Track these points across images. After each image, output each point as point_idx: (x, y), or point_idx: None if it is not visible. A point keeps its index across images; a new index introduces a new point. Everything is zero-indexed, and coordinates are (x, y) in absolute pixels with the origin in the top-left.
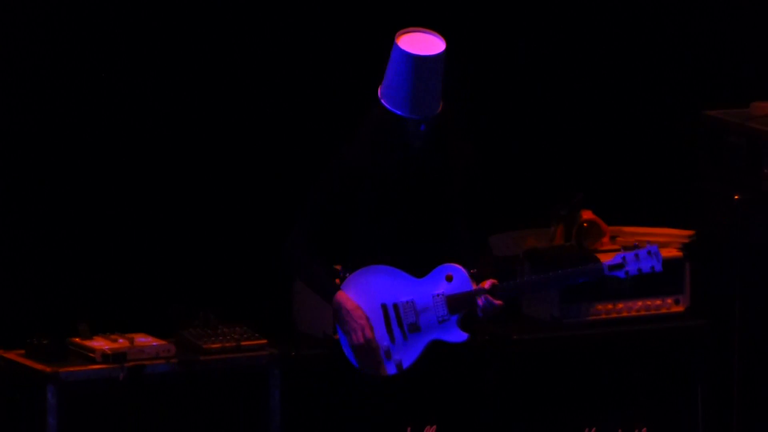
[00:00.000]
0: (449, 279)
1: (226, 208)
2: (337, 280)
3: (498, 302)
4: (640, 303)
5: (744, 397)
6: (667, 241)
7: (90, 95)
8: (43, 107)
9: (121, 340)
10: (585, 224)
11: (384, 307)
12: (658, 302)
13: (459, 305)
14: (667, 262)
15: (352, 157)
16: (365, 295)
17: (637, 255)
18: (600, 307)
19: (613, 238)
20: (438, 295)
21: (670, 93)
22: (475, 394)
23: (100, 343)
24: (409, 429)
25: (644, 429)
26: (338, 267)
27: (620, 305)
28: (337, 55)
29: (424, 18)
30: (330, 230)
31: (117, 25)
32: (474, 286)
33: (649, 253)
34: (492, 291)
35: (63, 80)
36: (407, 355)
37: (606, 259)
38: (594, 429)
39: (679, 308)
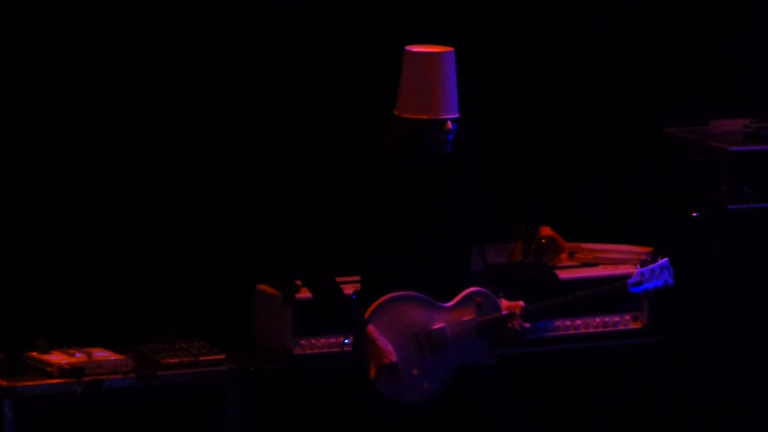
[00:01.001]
0: (479, 304)
1: (184, 222)
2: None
3: (527, 325)
4: (598, 320)
5: (702, 414)
6: (625, 258)
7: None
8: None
9: (78, 355)
10: (543, 240)
11: (416, 335)
12: (617, 319)
13: (490, 330)
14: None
15: (374, 182)
16: (397, 326)
17: (652, 270)
18: (558, 323)
19: (571, 254)
20: (469, 320)
21: (629, 110)
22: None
23: (57, 358)
24: None
25: None
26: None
27: (578, 322)
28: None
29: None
30: (344, 254)
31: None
32: (504, 311)
33: (661, 267)
34: (523, 315)
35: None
36: (437, 381)
37: (564, 274)
38: None
39: (638, 325)
